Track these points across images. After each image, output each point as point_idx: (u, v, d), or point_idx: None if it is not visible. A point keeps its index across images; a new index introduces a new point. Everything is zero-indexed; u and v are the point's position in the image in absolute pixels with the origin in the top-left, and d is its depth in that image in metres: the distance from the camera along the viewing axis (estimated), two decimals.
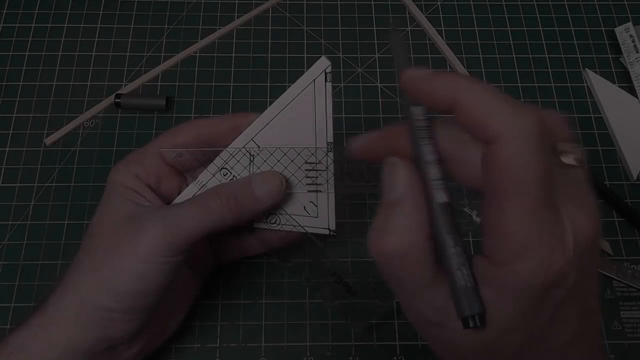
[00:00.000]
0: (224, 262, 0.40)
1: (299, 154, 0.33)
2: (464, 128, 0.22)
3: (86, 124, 0.48)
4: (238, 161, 0.33)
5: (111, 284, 0.30)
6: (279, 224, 0.34)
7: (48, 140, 0.47)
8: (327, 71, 0.32)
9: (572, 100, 0.50)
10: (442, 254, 0.23)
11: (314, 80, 0.32)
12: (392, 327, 0.41)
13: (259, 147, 0.33)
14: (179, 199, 0.34)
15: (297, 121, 0.32)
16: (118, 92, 0.49)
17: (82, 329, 0.30)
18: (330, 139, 0.33)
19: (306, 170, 0.33)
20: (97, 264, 0.30)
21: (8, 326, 0.41)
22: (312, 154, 0.33)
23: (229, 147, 0.33)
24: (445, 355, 0.25)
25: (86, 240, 0.32)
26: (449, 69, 0.51)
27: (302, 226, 0.33)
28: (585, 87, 0.51)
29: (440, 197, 0.23)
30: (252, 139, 0.33)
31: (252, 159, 0.33)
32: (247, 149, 0.33)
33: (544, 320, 0.21)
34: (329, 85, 0.32)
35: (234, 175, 0.33)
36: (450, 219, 0.23)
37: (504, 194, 0.20)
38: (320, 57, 0.32)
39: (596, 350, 0.24)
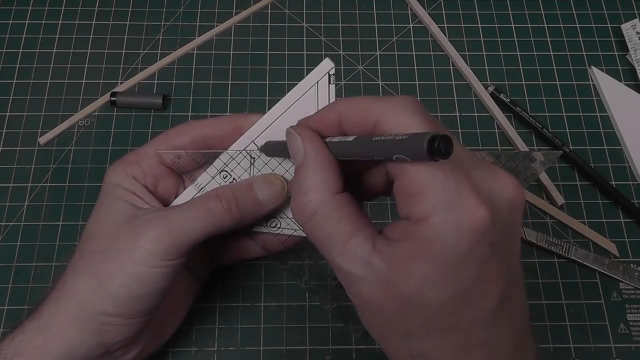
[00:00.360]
0: (223, 265, 0.40)
1: None
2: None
3: (81, 123, 0.48)
4: (238, 164, 0.33)
5: (109, 287, 0.30)
6: (280, 227, 0.34)
7: (42, 140, 0.47)
8: (330, 73, 0.32)
9: (578, 98, 0.50)
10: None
11: (317, 82, 0.32)
12: None
13: (259, 148, 0.33)
14: (176, 202, 0.34)
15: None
16: (114, 90, 0.49)
17: (79, 334, 0.30)
18: None
19: None
20: (94, 267, 0.30)
21: (2, 329, 0.41)
22: None
23: (229, 149, 0.33)
24: (373, 323, 0.25)
25: (82, 243, 0.32)
26: (451, 67, 0.51)
27: (303, 230, 0.33)
28: (591, 85, 0.51)
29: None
30: (253, 141, 0.33)
31: (252, 161, 0.33)
32: (248, 152, 0.33)
33: (467, 277, 0.22)
34: (333, 87, 0.32)
35: (234, 178, 0.33)
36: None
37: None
38: (323, 57, 0.32)
39: (525, 326, 0.25)
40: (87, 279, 0.30)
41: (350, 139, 0.24)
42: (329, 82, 0.32)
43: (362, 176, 0.28)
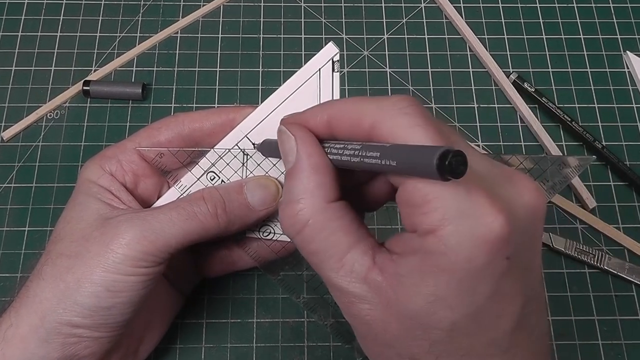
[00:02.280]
0: (209, 277, 0.40)
1: None
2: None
3: (50, 116, 0.48)
4: (227, 164, 0.33)
5: (75, 296, 0.29)
6: (273, 233, 0.34)
7: (5, 135, 0.47)
8: (334, 59, 0.32)
9: (611, 87, 0.50)
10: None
11: (320, 69, 0.32)
12: None
13: (254, 145, 0.32)
14: (158, 204, 0.34)
15: None
16: (87, 78, 0.49)
17: (40, 346, 0.30)
18: None
19: None
20: (60, 272, 0.30)
21: None
22: None
23: (217, 147, 0.33)
24: (374, 348, 0.25)
25: (50, 244, 0.32)
26: (468, 52, 0.51)
27: (293, 242, 0.33)
28: (626, 72, 0.51)
29: None
30: (246, 136, 0.33)
31: (245, 160, 0.33)
32: (239, 149, 0.32)
33: (482, 295, 0.22)
34: (337, 75, 0.32)
35: (222, 180, 0.33)
36: None
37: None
38: (323, 41, 0.32)
39: (545, 349, 0.25)
40: (51, 285, 0.30)
41: (348, 148, 0.24)
42: (333, 70, 0.32)
43: (362, 185, 0.28)
